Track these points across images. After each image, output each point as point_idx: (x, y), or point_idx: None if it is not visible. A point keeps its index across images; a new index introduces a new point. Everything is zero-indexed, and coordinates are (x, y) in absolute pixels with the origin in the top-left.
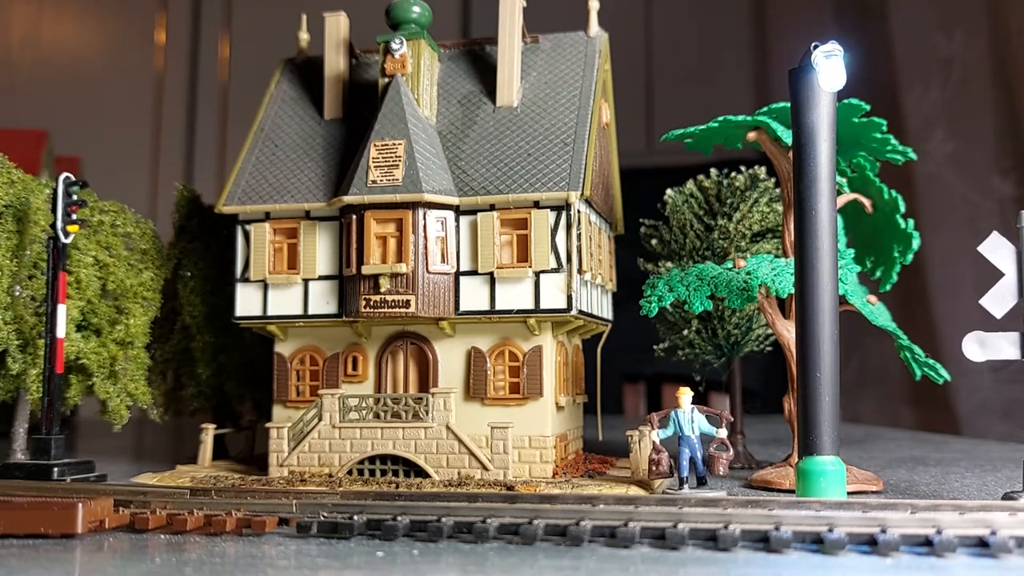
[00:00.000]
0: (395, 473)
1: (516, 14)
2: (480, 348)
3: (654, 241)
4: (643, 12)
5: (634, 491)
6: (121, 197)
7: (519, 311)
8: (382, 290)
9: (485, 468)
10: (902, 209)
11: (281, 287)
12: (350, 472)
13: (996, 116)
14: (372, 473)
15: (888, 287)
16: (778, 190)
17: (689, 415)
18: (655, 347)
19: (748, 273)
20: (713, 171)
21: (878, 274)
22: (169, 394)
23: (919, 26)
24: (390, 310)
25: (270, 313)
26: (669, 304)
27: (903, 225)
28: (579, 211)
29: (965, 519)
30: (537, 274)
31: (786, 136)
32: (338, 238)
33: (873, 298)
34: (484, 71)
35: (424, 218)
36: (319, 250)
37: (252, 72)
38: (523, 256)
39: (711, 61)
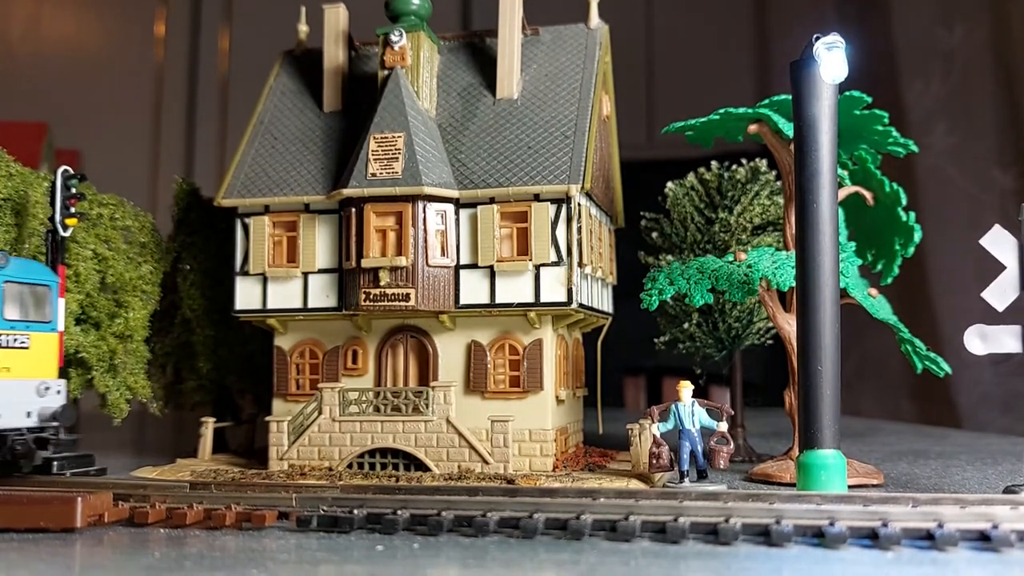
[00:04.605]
0: (395, 467)
1: (516, 6)
2: (480, 341)
3: (655, 234)
4: (644, 4)
5: (634, 485)
6: (121, 190)
7: (519, 305)
8: (382, 283)
9: (485, 462)
10: (903, 202)
11: (280, 280)
12: (350, 466)
13: (997, 110)
14: (372, 467)
15: (889, 280)
16: (779, 183)
17: (690, 408)
18: (656, 340)
19: (749, 266)
20: (714, 164)
21: (879, 267)
22: (169, 388)
23: (920, 19)
24: (390, 303)
25: (270, 306)
26: (670, 297)
27: (904, 218)
28: (579, 204)
29: (966, 513)
30: (537, 267)
31: (787, 128)
32: (338, 231)
33: (874, 291)
34: (484, 63)
35: (424, 211)
36: (318, 243)
37: (252, 64)
38: (523, 249)
39: (712, 53)
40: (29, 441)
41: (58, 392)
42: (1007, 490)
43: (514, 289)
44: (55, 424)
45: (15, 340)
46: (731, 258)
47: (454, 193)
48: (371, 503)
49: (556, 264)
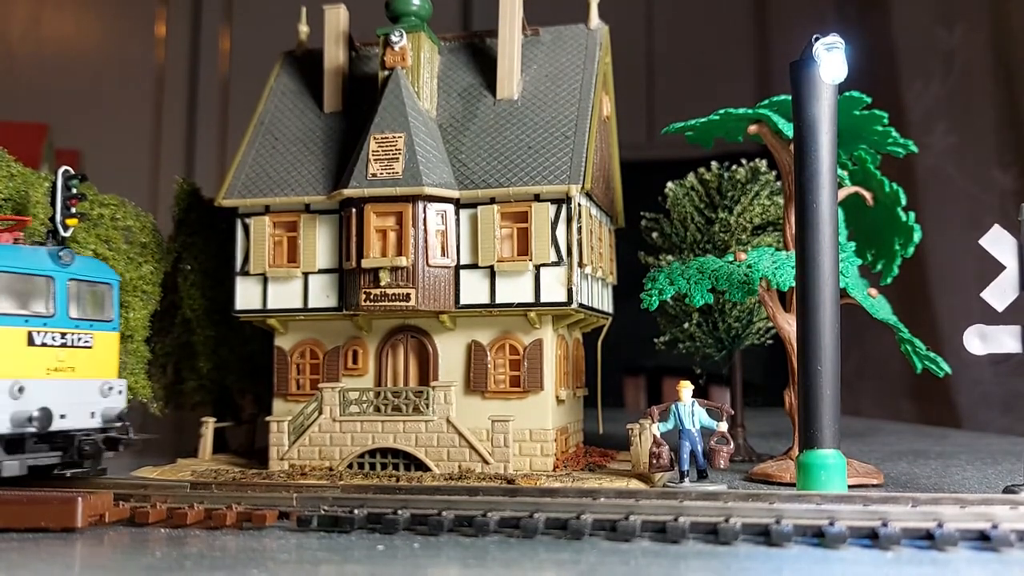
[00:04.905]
0: (396, 467)
1: (516, 7)
2: (480, 341)
3: (655, 234)
4: (644, 4)
5: (635, 484)
6: (121, 190)
7: (519, 305)
8: (382, 283)
9: (486, 461)
10: (903, 202)
11: (281, 280)
12: (350, 466)
13: (997, 110)
14: (373, 467)
15: (889, 280)
16: (779, 183)
17: (690, 408)
18: (656, 340)
19: (749, 266)
20: (714, 164)
21: (879, 267)
22: (169, 387)
23: (920, 19)
24: (390, 303)
25: (270, 307)
26: (670, 297)
27: (904, 218)
28: (580, 204)
29: (966, 512)
30: (537, 267)
31: (787, 129)
32: (338, 231)
33: (874, 291)
34: (484, 64)
35: (424, 211)
36: (319, 243)
37: (252, 65)
38: (523, 249)
39: (712, 54)
40: (99, 442)
41: (119, 392)
42: (1007, 490)
43: (514, 289)
44: (119, 424)
45: (79, 339)
46: (731, 258)
47: (454, 193)
48: (372, 503)
49: (556, 264)
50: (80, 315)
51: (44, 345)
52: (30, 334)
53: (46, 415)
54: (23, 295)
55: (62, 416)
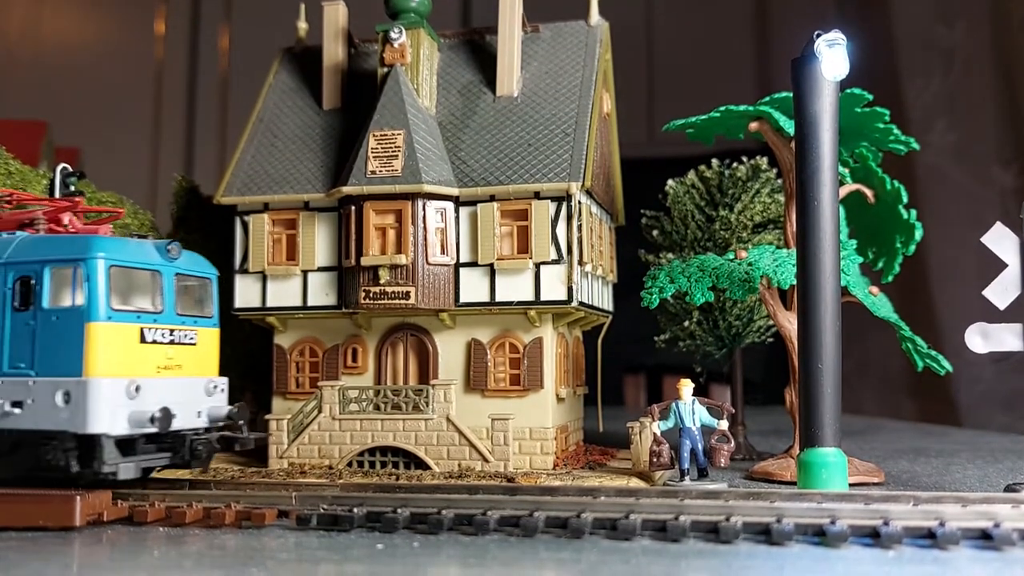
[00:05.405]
0: (395, 465)
1: (516, 3)
2: (480, 340)
3: (655, 232)
4: (644, 1)
5: (635, 483)
6: (121, 188)
7: (519, 303)
8: (381, 281)
9: (486, 460)
10: (904, 199)
11: (280, 278)
12: (350, 464)
13: (997, 107)
14: (372, 465)
15: (890, 278)
16: (780, 181)
17: (690, 407)
18: (656, 338)
19: (750, 264)
20: (715, 161)
21: (880, 265)
22: None
23: (921, 16)
24: (390, 302)
25: (269, 305)
26: (670, 295)
27: (905, 216)
28: (580, 202)
29: (968, 511)
30: (537, 265)
31: (788, 126)
32: (337, 229)
33: (875, 289)
34: (484, 61)
35: (424, 209)
36: (318, 241)
37: (251, 62)
38: (523, 247)
39: (713, 50)
40: (212, 441)
41: (223, 391)
42: (1008, 488)
43: (514, 287)
44: (223, 423)
45: (185, 336)
46: (732, 256)
47: (454, 191)
48: (371, 501)
49: (556, 262)
50: (185, 311)
51: (155, 342)
52: (142, 331)
53: (167, 415)
54: (134, 291)
55: (173, 416)
